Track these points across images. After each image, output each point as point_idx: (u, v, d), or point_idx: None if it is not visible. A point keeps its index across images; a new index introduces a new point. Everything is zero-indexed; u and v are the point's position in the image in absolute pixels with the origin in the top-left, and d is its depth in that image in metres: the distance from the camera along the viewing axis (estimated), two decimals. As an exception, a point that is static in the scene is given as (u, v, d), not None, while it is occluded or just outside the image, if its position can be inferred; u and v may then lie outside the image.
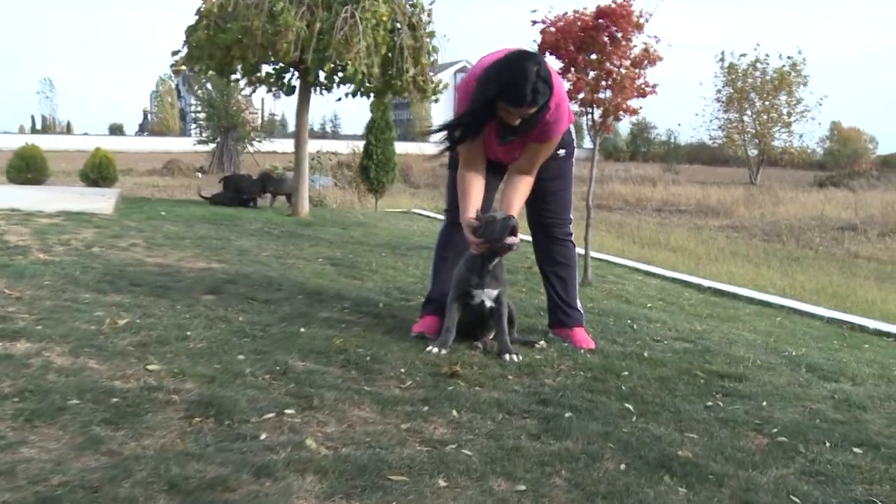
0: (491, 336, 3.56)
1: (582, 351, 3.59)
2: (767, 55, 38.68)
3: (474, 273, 3.40)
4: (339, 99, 9.93)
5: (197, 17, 9.24)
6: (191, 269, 4.96)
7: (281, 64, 9.62)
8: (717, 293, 6.81)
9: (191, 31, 9.33)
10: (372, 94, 10.41)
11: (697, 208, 23.17)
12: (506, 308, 3.47)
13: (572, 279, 3.88)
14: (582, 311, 3.92)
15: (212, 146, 28.83)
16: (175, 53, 9.58)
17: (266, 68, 9.97)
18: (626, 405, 2.79)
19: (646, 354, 3.61)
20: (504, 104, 3.25)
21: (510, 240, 3.26)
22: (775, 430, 2.66)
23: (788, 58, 37.34)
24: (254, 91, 12.64)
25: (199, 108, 30.77)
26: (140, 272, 4.66)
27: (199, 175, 24.66)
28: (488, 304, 3.44)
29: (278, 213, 10.19)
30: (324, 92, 10.16)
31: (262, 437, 2.15)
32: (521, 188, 3.56)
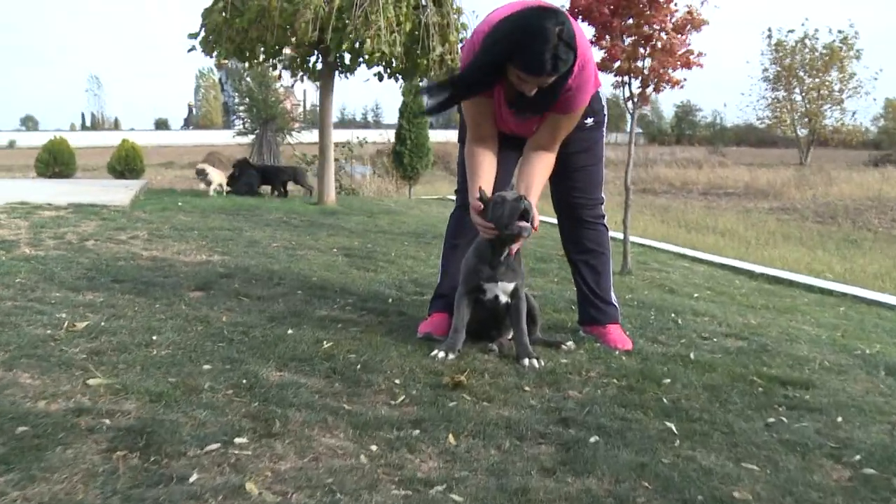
0: (508, 337, 3.05)
1: (616, 353, 3.06)
2: (817, 30, 37.25)
3: (485, 264, 2.89)
4: (367, 80, 9.42)
5: (213, 0, 8.84)
6: (187, 263, 4.54)
7: (304, 46, 9.18)
8: (772, 280, 6.19)
9: (206, 14, 8.92)
10: (399, 76, 9.92)
11: (746, 190, 22.31)
12: (524, 304, 2.96)
13: (606, 269, 3.35)
14: (618, 305, 3.39)
15: (251, 138, 28.88)
16: (193, 36, 9.17)
17: (288, 51, 9.56)
18: (668, 424, 2.26)
19: (692, 356, 3.07)
20: (517, 70, 2.72)
21: (520, 225, 2.73)
22: (858, 457, 2.11)
23: (839, 31, 35.84)
24: (280, 76, 12.29)
25: (238, 100, 30.91)
26: (129, 267, 4.25)
27: (240, 166, 24.48)
28: (503, 299, 2.93)
29: (303, 203, 9.78)
30: (347, 75, 9.69)
31: (192, 478, 1.67)
32: (540, 167, 3.03)
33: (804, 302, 5.13)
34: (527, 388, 2.54)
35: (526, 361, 2.79)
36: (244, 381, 2.37)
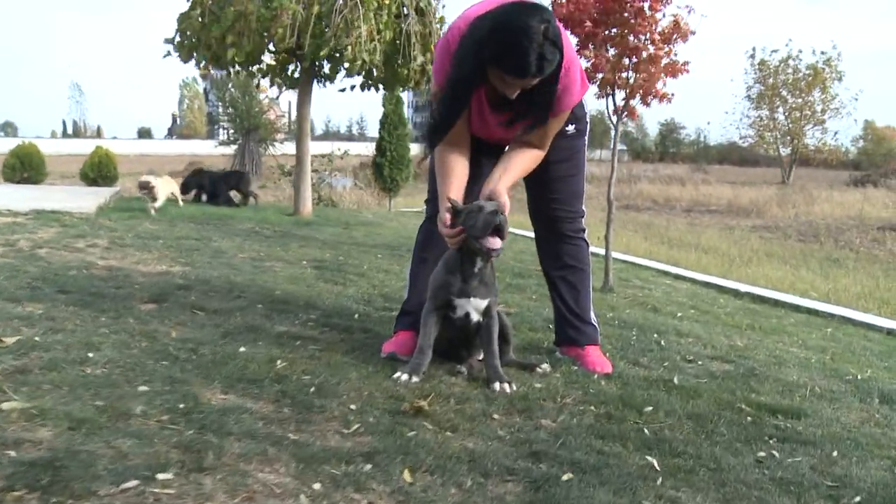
0: (479, 357, 2.83)
1: (595, 376, 2.85)
2: (801, 51, 37.61)
3: (456, 277, 2.68)
4: (343, 90, 9.22)
5: (189, 4, 8.61)
6: (144, 274, 4.29)
7: (283, 54, 8.97)
8: (757, 299, 6.02)
9: (183, 18, 8.70)
10: (380, 86, 9.72)
11: (728, 208, 22.29)
12: (497, 323, 2.74)
13: (585, 286, 3.14)
14: (597, 325, 3.18)
15: (234, 148, 28.69)
16: (169, 41, 8.93)
17: (266, 59, 9.34)
18: (649, 458, 2.05)
19: (676, 381, 2.87)
20: (500, 72, 2.52)
21: (489, 243, 2.52)
22: (858, 498, 1.91)
23: (822, 53, 36.15)
24: (258, 85, 12.07)
25: (221, 110, 30.78)
26: (80, 276, 4.00)
27: (221, 177, 24.17)
28: (475, 317, 2.71)
29: (279, 212, 9.55)
30: (326, 83, 9.48)
31: (97, 526, 1.44)
32: (523, 157, 2.81)
33: (790, 322, 4.95)
34: (496, 416, 2.31)
35: (496, 386, 2.57)
36: (182, 405, 2.13)
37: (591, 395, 2.60)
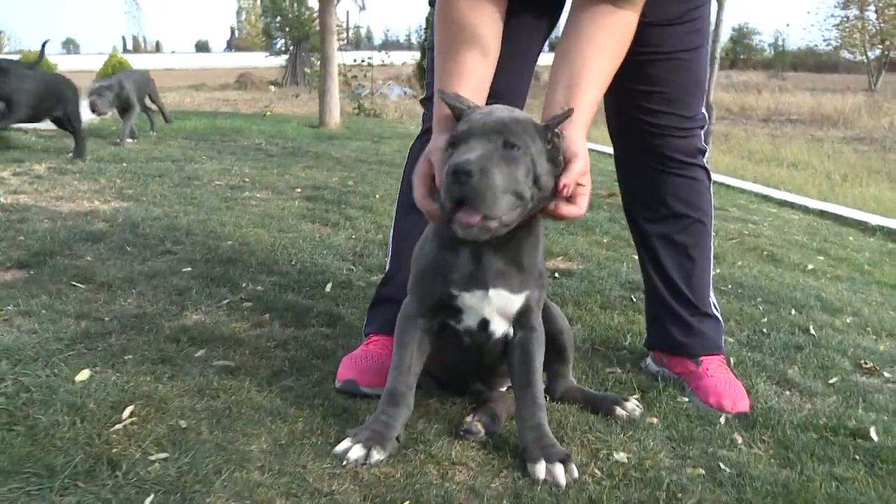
0: (505, 387, 1.55)
1: (722, 420, 1.55)
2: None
3: (461, 254, 1.37)
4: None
5: None
6: (56, 214, 3.09)
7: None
8: (893, 235, 4.55)
9: None
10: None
11: (811, 117, 20.14)
12: (542, 337, 1.44)
13: (703, 252, 1.80)
14: (720, 315, 1.85)
15: (284, 58, 27.59)
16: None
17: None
18: None
19: (872, 434, 1.55)
20: None
21: (463, 218, 1.21)
22: None
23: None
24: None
25: (271, 19, 29.78)
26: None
27: (273, 89, 23.09)
28: (499, 329, 1.42)
29: (303, 124, 8.26)
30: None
31: None
32: (601, 42, 1.43)
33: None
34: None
35: (540, 471, 1.29)
36: None
37: (725, 480, 1.31)
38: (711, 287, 1.81)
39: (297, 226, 3.16)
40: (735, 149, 12.76)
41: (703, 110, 1.72)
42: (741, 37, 61.61)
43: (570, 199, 1.30)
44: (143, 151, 5.17)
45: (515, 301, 1.38)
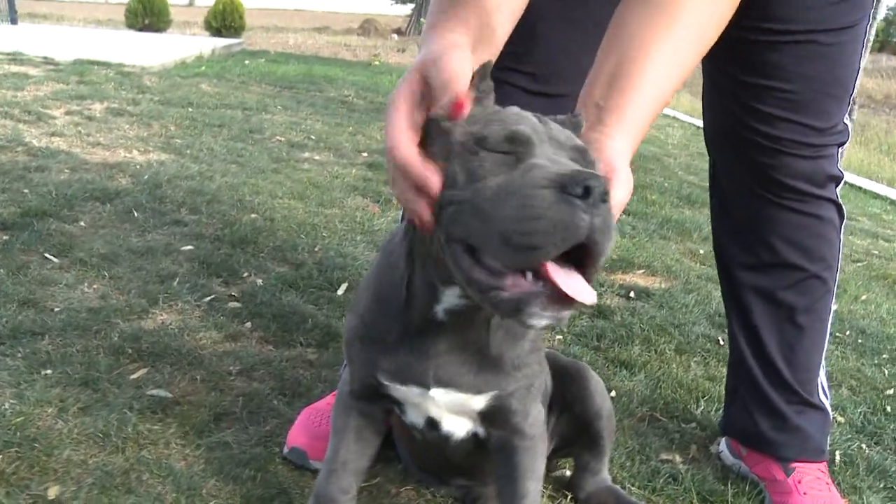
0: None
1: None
2: None
3: (383, 323, 0.90)
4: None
5: None
6: (79, 165, 2.80)
7: None
8: None
9: None
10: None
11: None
12: (535, 450, 0.96)
13: (816, 319, 1.27)
14: (828, 404, 1.33)
15: (410, 6, 27.46)
16: None
17: None
18: None
19: None
20: None
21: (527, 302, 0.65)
22: None
23: None
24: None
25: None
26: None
27: (395, 37, 22.88)
28: (457, 432, 0.95)
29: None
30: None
31: None
32: (675, 10, 0.92)
33: None
34: None
35: None
36: None
37: None
38: (823, 366, 1.30)
39: (342, 200, 2.77)
40: (872, 141, 11.56)
41: (846, 120, 1.19)
42: None
43: None
44: (219, 96, 4.89)
45: (476, 401, 0.91)
